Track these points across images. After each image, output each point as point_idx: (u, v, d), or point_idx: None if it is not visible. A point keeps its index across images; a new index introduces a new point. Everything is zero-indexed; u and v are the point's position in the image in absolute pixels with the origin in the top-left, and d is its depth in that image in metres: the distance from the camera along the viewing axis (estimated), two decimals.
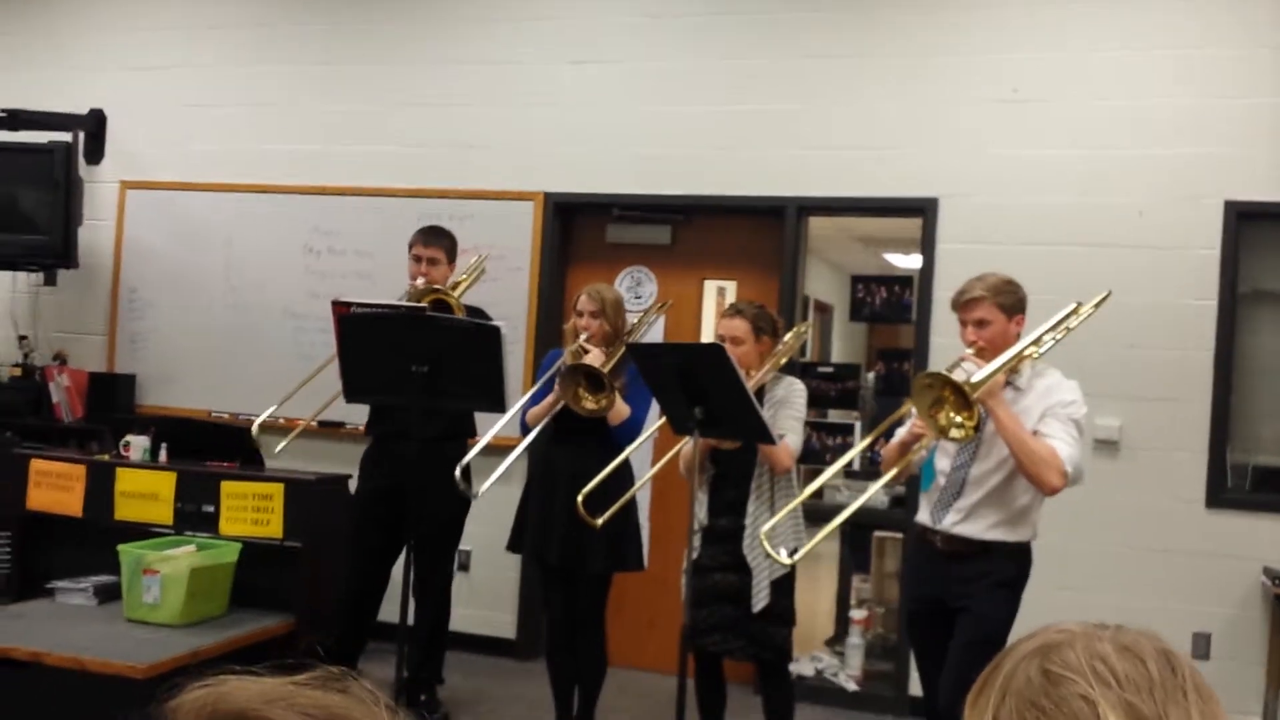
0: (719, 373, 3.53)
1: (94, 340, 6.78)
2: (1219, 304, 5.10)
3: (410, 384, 3.81)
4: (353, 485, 5.23)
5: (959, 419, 3.30)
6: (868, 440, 4.07)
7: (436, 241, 4.97)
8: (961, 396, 3.27)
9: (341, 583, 4.98)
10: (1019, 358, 3.53)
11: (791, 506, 3.93)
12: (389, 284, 5.48)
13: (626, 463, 4.46)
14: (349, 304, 3.99)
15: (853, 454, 4.18)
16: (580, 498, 4.04)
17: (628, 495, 4.17)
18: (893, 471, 3.66)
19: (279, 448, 4.72)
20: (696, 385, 3.60)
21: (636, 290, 6.03)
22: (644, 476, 4.38)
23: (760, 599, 4.04)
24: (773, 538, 4.01)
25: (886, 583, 6.17)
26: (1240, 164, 5.10)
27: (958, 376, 3.34)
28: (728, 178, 5.75)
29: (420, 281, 4.82)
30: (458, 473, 4.27)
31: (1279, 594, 4.78)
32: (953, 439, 3.40)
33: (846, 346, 11.21)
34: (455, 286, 4.87)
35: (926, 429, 3.45)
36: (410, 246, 4.99)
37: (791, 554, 3.92)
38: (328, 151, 6.40)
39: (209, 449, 5.25)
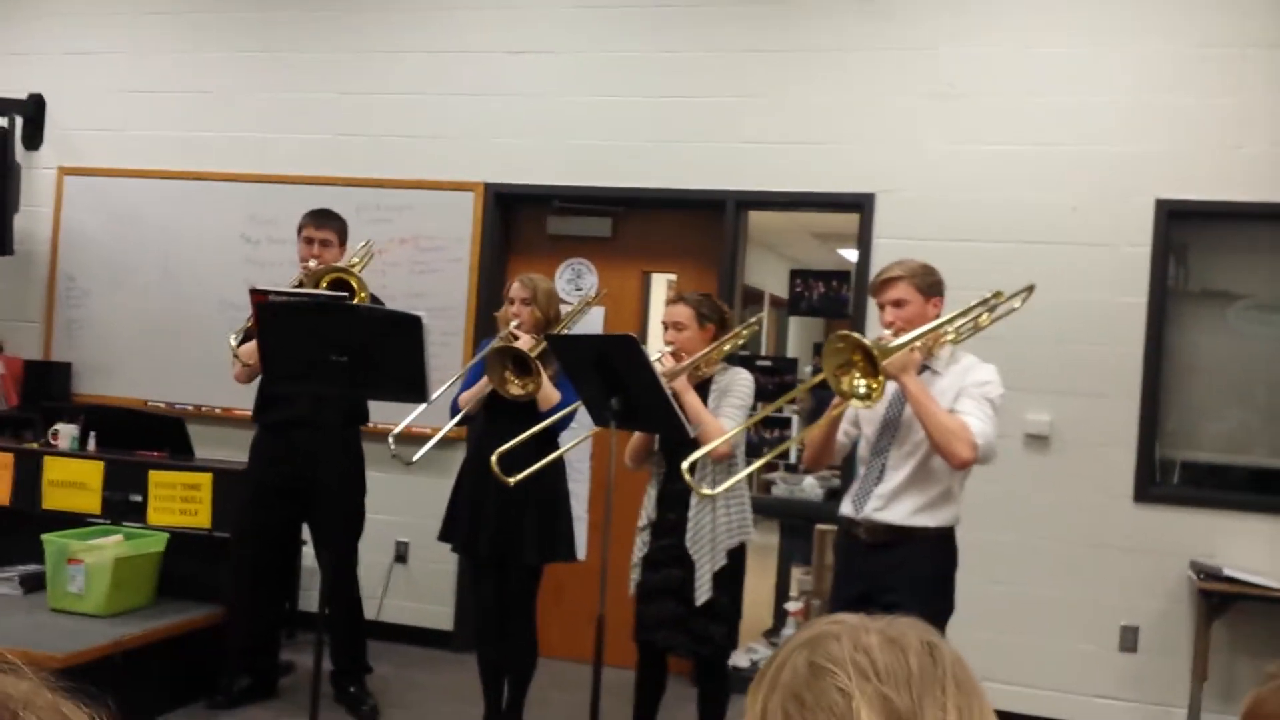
0: (633, 363, 3.52)
1: (30, 328, 6.70)
2: (1149, 301, 5.14)
3: (330, 373, 3.77)
4: None
5: (863, 385, 3.27)
6: (784, 399, 4.08)
7: (328, 224, 4.91)
8: (870, 362, 3.25)
9: (242, 575, 4.88)
10: (935, 335, 3.53)
11: (726, 484, 3.86)
12: None
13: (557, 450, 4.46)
14: (267, 291, 3.94)
15: (771, 410, 4.14)
16: (495, 457, 4.05)
17: (538, 466, 4.12)
18: (810, 430, 3.65)
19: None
20: (613, 376, 3.59)
21: (578, 282, 6.02)
22: (565, 462, 4.35)
23: (703, 592, 4.02)
24: (714, 530, 4.01)
25: (828, 575, 6.19)
26: (1172, 162, 5.13)
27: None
28: (668, 170, 5.74)
29: (313, 263, 4.76)
30: (390, 441, 4.19)
31: (1205, 588, 4.82)
32: (854, 405, 3.37)
33: (802, 341, 11.27)
34: (352, 268, 4.81)
35: (835, 391, 3.41)
36: (300, 229, 4.91)
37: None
38: (266, 139, 6.35)
39: (138, 437, 5.21)
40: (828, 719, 0.89)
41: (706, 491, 3.79)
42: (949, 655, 0.93)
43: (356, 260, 4.88)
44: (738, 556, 4.12)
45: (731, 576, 4.11)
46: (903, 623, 0.96)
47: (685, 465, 3.60)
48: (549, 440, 4.36)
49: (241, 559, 4.86)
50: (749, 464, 4.02)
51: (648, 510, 4.19)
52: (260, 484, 4.86)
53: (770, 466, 6.64)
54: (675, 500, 4.12)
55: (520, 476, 4.06)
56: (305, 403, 4.48)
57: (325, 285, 4.51)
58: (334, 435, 4.38)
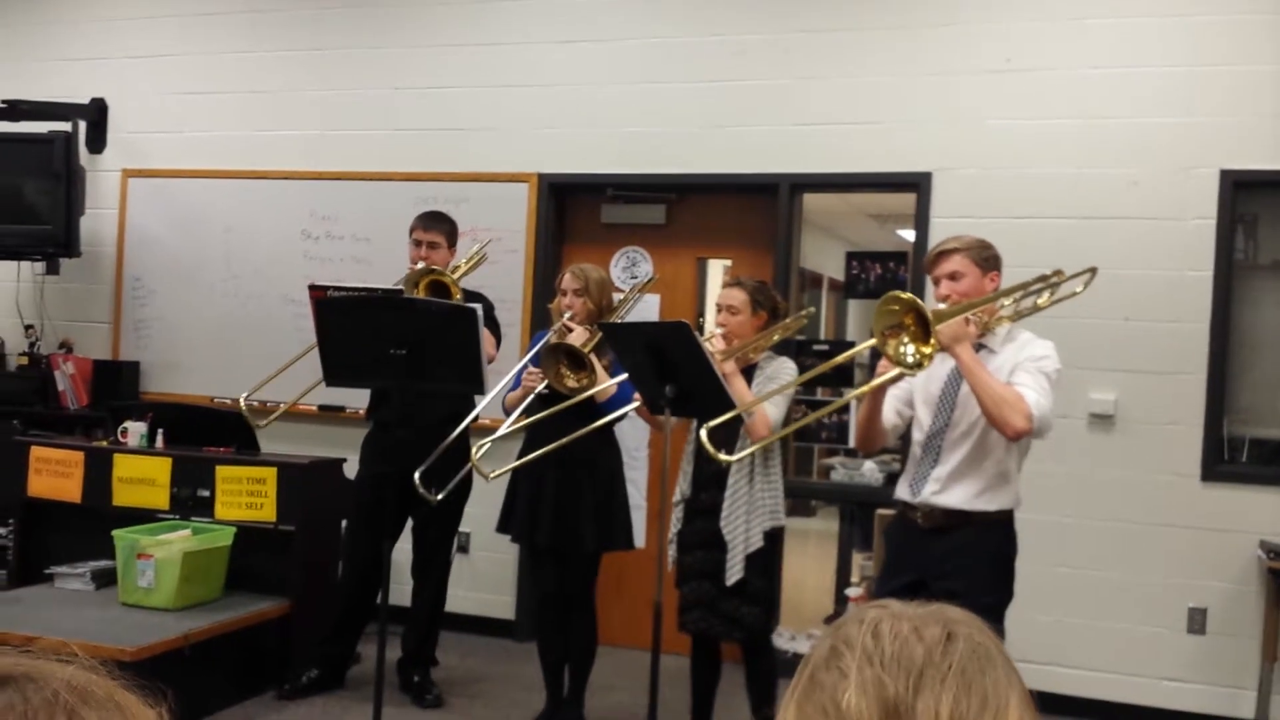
0: (686, 350, 3.52)
1: (99, 328, 6.84)
2: (1214, 275, 5.03)
3: (390, 367, 3.81)
4: (351, 469, 5.25)
5: (911, 350, 3.18)
6: (831, 364, 4.06)
7: (437, 226, 4.97)
8: (922, 327, 3.16)
9: (345, 568, 5.00)
10: (991, 309, 3.48)
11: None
12: (387, 268, 5.50)
13: (614, 440, 4.48)
14: (325, 288, 3.99)
15: (813, 375, 4.13)
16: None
17: (519, 461, 4.12)
18: (865, 388, 3.60)
19: (264, 422, 4.68)
20: (666, 363, 3.59)
21: (633, 270, 6.02)
22: (622, 450, 4.35)
23: (734, 572, 4.03)
24: (749, 513, 4.02)
25: None
26: (1235, 133, 5.02)
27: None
28: (721, 155, 5.72)
29: (420, 265, 4.82)
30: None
31: (1274, 568, 4.72)
32: (897, 366, 3.25)
33: (860, 324, 11.17)
34: (454, 271, 4.86)
35: (882, 353, 3.34)
36: (411, 231, 4.98)
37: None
38: (324, 136, 6.42)
39: (205, 434, 5.30)
40: (826, 699, 0.88)
41: (726, 458, 3.75)
42: (967, 648, 0.89)
43: (465, 262, 4.94)
44: (774, 541, 4.13)
45: (767, 560, 4.12)
46: (944, 611, 0.94)
47: (704, 433, 3.57)
48: (606, 430, 4.37)
49: (337, 549, 4.97)
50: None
51: (682, 487, 4.22)
52: (365, 479, 4.97)
53: (830, 451, 6.60)
54: (710, 482, 4.14)
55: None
56: (410, 401, 4.52)
57: (424, 286, 4.56)
58: (437, 431, 4.42)
